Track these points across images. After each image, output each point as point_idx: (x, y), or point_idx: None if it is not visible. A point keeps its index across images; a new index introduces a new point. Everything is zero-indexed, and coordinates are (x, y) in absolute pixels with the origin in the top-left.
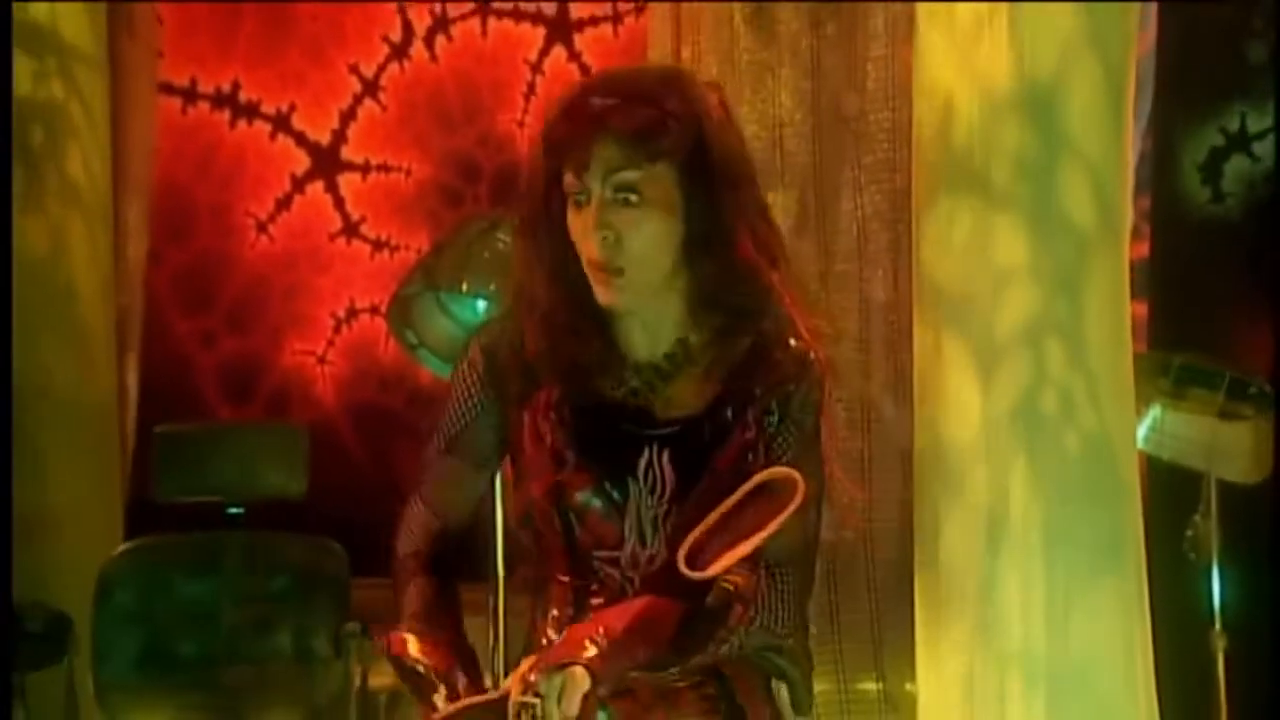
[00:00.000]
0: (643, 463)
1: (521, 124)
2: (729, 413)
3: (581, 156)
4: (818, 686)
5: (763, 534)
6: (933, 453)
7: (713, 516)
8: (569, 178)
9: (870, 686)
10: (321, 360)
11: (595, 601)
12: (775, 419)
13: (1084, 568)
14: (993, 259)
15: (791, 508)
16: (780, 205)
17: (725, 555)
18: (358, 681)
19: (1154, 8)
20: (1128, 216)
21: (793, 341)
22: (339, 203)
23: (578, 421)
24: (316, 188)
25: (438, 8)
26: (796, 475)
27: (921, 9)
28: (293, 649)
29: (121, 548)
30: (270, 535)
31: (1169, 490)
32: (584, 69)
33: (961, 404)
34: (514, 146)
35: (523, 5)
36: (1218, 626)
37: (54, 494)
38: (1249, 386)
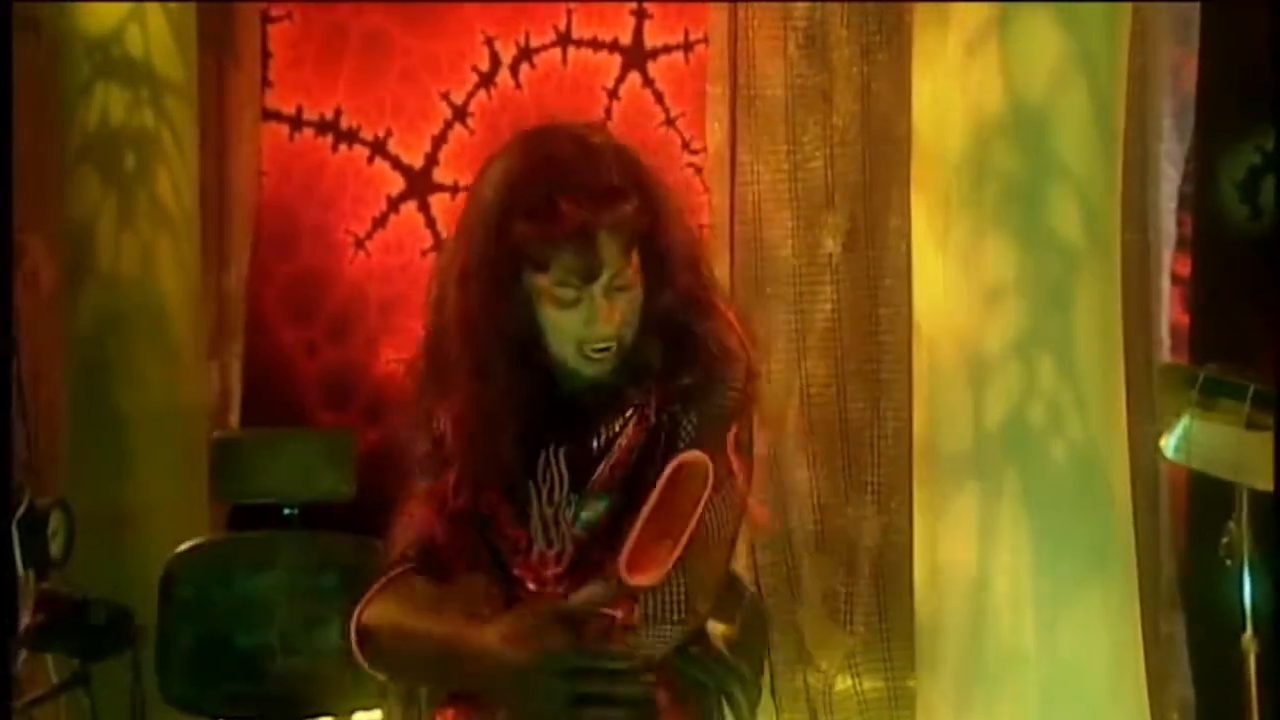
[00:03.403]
0: (540, 463)
1: None
2: (627, 404)
3: (584, 265)
4: (867, 684)
5: (692, 522)
6: (929, 462)
7: (639, 522)
8: (561, 283)
9: (914, 684)
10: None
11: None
12: (679, 408)
13: (1072, 573)
14: (984, 275)
15: (708, 490)
16: (831, 223)
17: (665, 555)
18: None
19: (1196, 33)
20: (1117, 234)
21: (722, 343)
22: (430, 222)
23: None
24: (410, 207)
25: (523, 39)
26: (705, 458)
27: (917, 36)
28: (341, 642)
29: (184, 545)
30: (320, 535)
31: (1209, 497)
32: (657, 95)
33: (955, 415)
34: None
35: (601, 35)
36: (1249, 630)
37: (142, 493)
38: (1275, 398)
